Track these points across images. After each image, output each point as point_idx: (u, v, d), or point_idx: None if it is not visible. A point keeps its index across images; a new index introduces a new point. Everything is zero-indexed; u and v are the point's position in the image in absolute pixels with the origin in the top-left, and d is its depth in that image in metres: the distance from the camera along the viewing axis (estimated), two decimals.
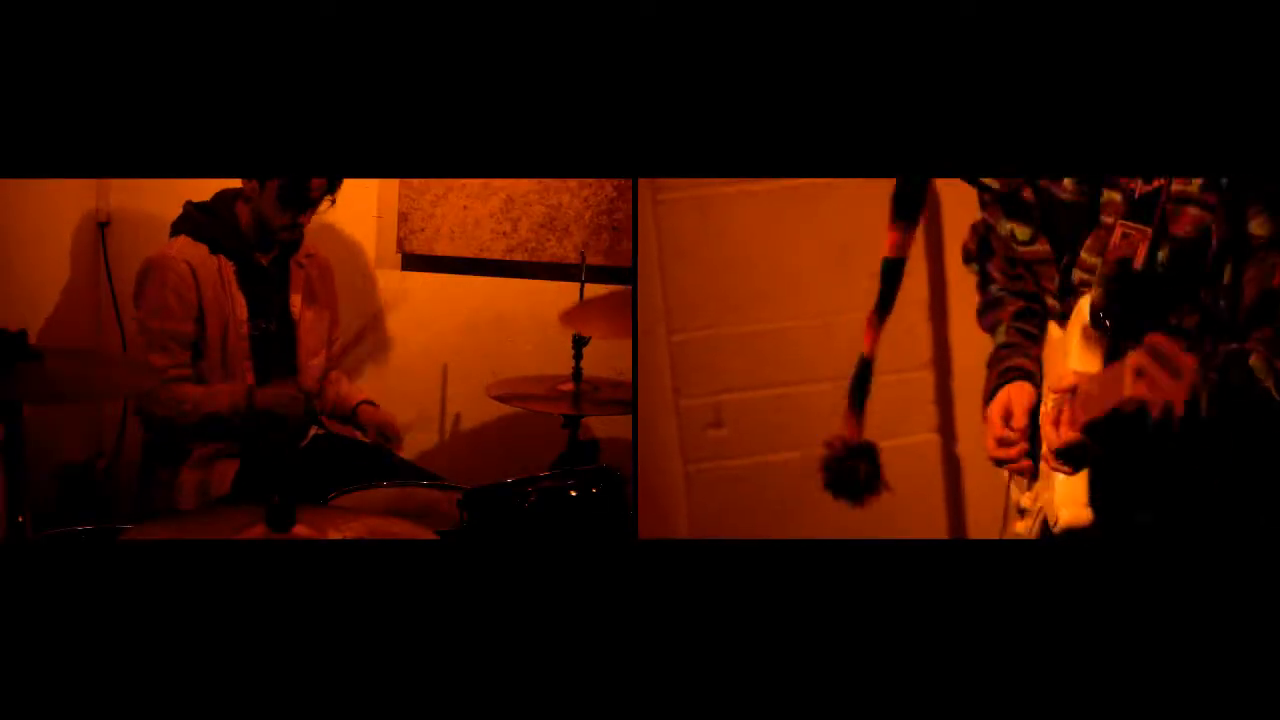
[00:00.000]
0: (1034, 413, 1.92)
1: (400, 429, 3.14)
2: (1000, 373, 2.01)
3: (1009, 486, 2.02)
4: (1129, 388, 1.46)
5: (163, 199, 3.25)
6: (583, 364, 3.00)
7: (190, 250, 2.86)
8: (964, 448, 2.69)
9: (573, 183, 3.40)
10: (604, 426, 3.43)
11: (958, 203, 2.49)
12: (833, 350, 2.61)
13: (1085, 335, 1.77)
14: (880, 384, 2.61)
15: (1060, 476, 1.80)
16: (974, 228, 2.15)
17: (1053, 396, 1.80)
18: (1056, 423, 1.75)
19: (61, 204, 3.34)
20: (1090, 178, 1.80)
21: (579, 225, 3.41)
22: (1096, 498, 1.77)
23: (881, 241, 2.55)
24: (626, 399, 2.89)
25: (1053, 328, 1.94)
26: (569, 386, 3.00)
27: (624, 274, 3.16)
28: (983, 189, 1.96)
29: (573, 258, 3.36)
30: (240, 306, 2.90)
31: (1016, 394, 1.94)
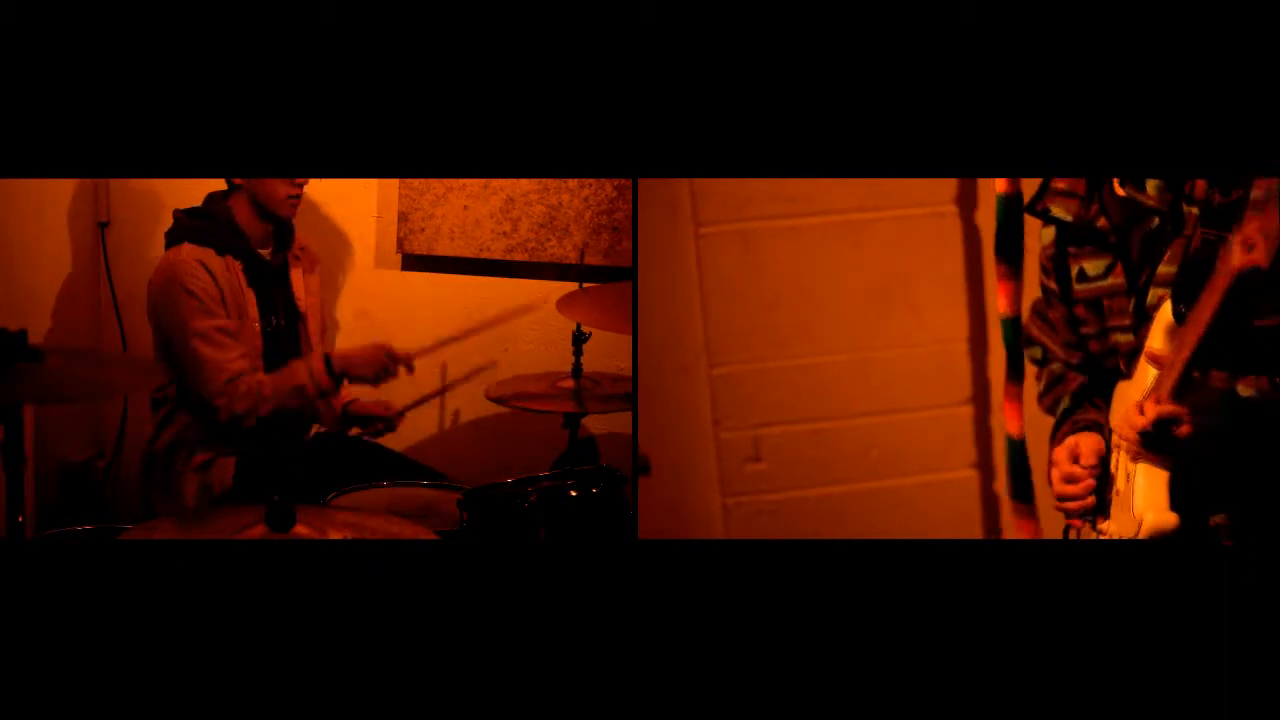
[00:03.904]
0: (1103, 459, 1.93)
1: (394, 409, 3.14)
2: (1068, 423, 2.02)
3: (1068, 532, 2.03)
4: (1238, 259, 1.55)
5: (162, 199, 3.26)
6: (583, 361, 3.00)
7: (198, 254, 2.85)
8: (1003, 484, 2.69)
9: (573, 183, 3.40)
10: (604, 425, 3.43)
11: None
12: (871, 386, 2.63)
13: (1169, 333, 1.78)
14: (919, 419, 2.63)
15: (1140, 484, 1.81)
16: (1034, 307, 2.17)
17: (1146, 373, 1.81)
18: (1142, 408, 1.76)
19: (61, 204, 3.34)
20: (1172, 189, 1.82)
21: (579, 225, 3.41)
22: (1178, 500, 1.79)
23: (922, 277, 2.58)
24: (627, 393, 2.89)
25: (1119, 389, 1.94)
26: (569, 383, 3.00)
27: (624, 274, 3.16)
28: (1058, 223, 1.96)
29: (573, 258, 3.36)
30: (251, 304, 2.90)
31: (1085, 439, 1.95)
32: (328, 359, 2.90)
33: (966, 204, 2.61)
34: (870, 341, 2.64)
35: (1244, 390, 1.75)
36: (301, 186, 2.91)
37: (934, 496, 2.67)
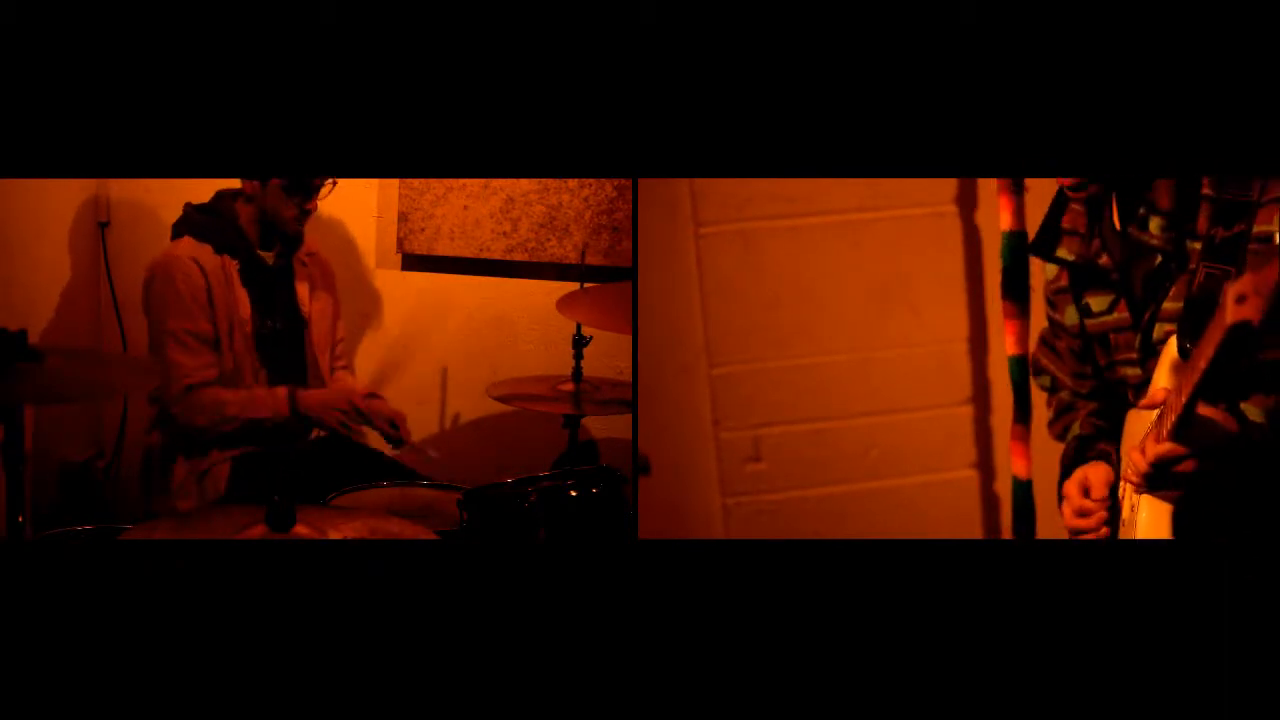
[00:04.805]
0: (1113, 489, 1.92)
1: (407, 426, 3.12)
2: (1077, 454, 2.01)
3: None
4: (1231, 315, 1.51)
5: (163, 199, 3.26)
6: (583, 364, 3.00)
7: (195, 250, 2.86)
8: (1003, 484, 2.69)
9: (573, 183, 3.40)
10: (604, 427, 3.43)
11: (998, 235, 2.51)
12: (871, 386, 2.64)
13: (1175, 369, 1.77)
14: (920, 419, 2.63)
15: (1144, 517, 1.81)
16: (1041, 337, 2.18)
17: (1146, 419, 1.80)
18: (1143, 448, 1.75)
19: (61, 204, 3.34)
20: (1174, 227, 1.81)
21: (579, 225, 3.41)
22: (1180, 533, 1.78)
23: (922, 277, 2.59)
24: (627, 398, 2.89)
25: (1130, 417, 1.93)
26: (569, 386, 3.00)
27: (624, 274, 3.16)
28: (1062, 264, 1.97)
29: (573, 258, 3.36)
30: (243, 305, 2.90)
31: (1094, 471, 1.95)
32: (293, 397, 2.87)
33: (966, 204, 2.61)
34: (870, 341, 2.64)
35: (1251, 412, 1.74)
36: (310, 212, 2.92)
37: (934, 496, 2.67)
